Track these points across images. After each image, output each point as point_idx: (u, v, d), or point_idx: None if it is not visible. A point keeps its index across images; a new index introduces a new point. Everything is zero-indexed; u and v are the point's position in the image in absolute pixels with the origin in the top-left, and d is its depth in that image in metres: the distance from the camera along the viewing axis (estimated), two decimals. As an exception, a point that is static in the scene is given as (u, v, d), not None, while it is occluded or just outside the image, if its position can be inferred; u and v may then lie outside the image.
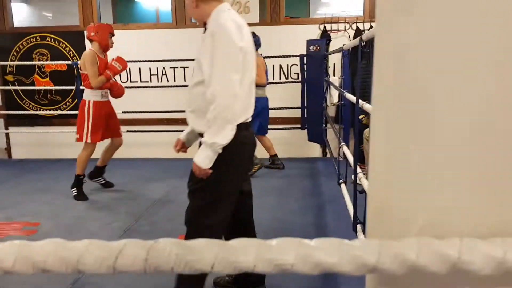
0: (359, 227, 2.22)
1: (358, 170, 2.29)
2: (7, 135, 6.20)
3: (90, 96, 3.90)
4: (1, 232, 3.33)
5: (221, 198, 1.96)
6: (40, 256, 0.44)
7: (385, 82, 0.48)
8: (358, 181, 2.31)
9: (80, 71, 3.96)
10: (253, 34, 4.55)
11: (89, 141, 3.91)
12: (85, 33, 3.99)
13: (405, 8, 0.44)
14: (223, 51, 1.80)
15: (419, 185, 0.46)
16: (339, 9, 6.16)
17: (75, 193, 4.04)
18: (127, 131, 5.23)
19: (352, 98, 2.54)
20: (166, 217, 3.56)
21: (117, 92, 4.10)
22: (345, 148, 2.94)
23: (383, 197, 0.47)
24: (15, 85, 6.02)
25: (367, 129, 3.97)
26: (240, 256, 0.40)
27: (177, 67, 5.74)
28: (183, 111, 5.57)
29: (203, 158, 1.84)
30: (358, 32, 5.12)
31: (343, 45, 3.18)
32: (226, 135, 1.82)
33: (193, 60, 4.77)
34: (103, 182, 4.33)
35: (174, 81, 5.76)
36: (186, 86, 5.69)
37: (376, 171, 0.49)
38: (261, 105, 4.60)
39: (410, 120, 0.46)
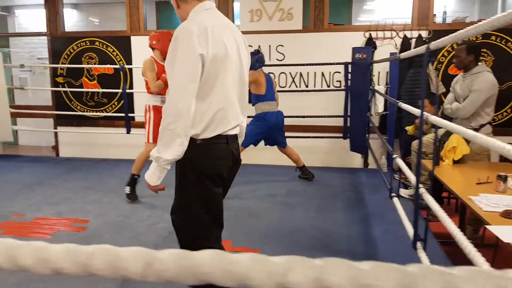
0: (419, 244, 2.16)
1: (417, 183, 2.22)
2: (55, 134, 6.46)
3: (150, 101, 4.01)
4: (53, 227, 3.46)
5: (192, 217, 1.83)
6: (204, 268, 0.47)
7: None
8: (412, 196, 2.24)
9: (143, 77, 4.08)
10: (257, 51, 4.56)
11: (150, 141, 4.01)
12: (148, 41, 4.04)
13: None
14: (179, 58, 1.66)
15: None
16: (383, 16, 6.07)
17: (128, 192, 4.11)
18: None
19: (411, 108, 2.47)
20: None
21: None
22: (399, 161, 2.87)
23: None
24: (65, 87, 6.26)
25: (416, 140, 3.88)
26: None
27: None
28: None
29: (151, 174, 1.73)
30: (406, 41, 5.03)
31: (399, 54, 3.11)
32: (173, 151, 1.65)
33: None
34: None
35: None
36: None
37: None
38: (274, 119, 4.54)
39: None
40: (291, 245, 3.08)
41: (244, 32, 5.78)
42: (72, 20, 8.26)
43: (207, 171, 1.77)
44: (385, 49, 5.16)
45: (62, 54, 6.20)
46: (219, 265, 0.47)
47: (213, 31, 1.68)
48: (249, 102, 4.41)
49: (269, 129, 4.54)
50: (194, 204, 1.81)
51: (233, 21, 5.85)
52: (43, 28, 6.40)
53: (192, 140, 1.72)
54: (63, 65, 6.17)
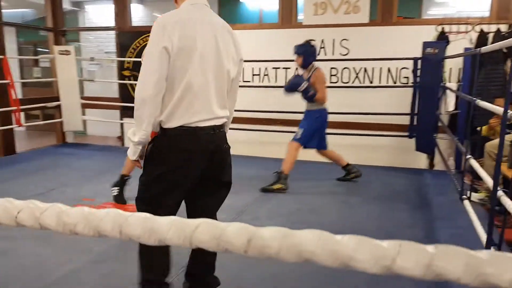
0: (493, 249, 2.01)
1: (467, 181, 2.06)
2: (121, 125, 6.71)
3: None
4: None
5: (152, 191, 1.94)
6: (308, 247, 0.46)
7: None
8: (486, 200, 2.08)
9: None
10: (308, 42, 4.32)
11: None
12: None
13: None
14: (148, 49, 1.79)
15: None
16: (456, 10, 5.74)
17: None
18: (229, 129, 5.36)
19: (494, 107, 2.28)
20: (267, 214, 3.64)
21: None
22: (473, 162, 2.69)
23: None
24: (131, 80, 6.47)
25: (490, 142, 3.63)
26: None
27: (279, 68, 5.76)
28: (284, 112, 5.61)
29: (129, 150, 1.91)
30: (483, 35, 4.71)
31: (479, 48, 2.89)
32: (139, 134, 1.81)
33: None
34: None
35: (276, 81, 5.78)
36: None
37: None
38: (324, 118, 4.35)
39: None
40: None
41: (307, 26, 5.70)
42: (138, 15, 8.53)
43: (169, 161, 1.87)
44: (459, 44, 4.85)
45: (129, 48, 6.41)
46: (323, 245, 0.46)
47: (185, 25, 1.77)
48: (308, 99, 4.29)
49: (324, 124, 4.38)
50: (151, 181, 1.92)
51: (296, 15, 5.76)
52: (111, 22, 6.65)
53: (161, 129, 1.86)
54: (129, 59, 6.37)
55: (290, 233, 0.48)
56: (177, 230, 0.52)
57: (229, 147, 2.04)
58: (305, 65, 4.28)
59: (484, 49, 2.70)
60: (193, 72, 1.78)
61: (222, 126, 1.96)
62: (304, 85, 4.16)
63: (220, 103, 1.92)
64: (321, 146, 4.46)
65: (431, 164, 5.30)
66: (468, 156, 2.81)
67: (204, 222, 0.53)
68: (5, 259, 2.74)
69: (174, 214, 1.97)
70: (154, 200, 1.92)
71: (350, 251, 0.44)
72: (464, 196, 2.96)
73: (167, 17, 1.78)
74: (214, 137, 1.92)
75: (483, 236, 2.13)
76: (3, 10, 5.92)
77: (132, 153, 1.88)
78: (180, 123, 1.82)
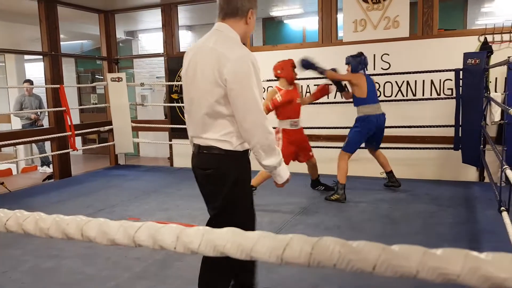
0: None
1: None
2: (170, 146, 7.00)
3: (280, 125, 4.39)
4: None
5: None
6: (221, 241, 0.50)
7: None
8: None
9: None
10: (360, 54, 4.52)
11: None
12: (273, 72, 4.43)
13: None
14: None
15: None
16: (503, 19, 5.56)
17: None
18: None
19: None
20: (306, 229, 3.65)
21: (321, 95, 4.67)
22: (508, 172, 2.61)
23: None
24: (179, 103, 6.77)
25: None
26: (402, 261, 0.41)
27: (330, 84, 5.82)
28: (323, 128, 5.64)
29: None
30: (527, 43, 4.55)
31: (509, 57, 2.85)
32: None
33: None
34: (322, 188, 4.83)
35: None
36: (330, 103, 5.70)
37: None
38: (376, 121, 4.45)
39: None
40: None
41: (347, 43, 5.75)
42: (186, 41, 8.93)
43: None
44: (503, 53, 4.71)
45: (177, 73, 6.73)
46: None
47: (188, 53, 2.06)
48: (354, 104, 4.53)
49: (371, 130, 4.45)
50: None
51: (336, 33, 5.83)
52: (161, 49, 7.03)
53: None
54: (178, 83, 6.69)
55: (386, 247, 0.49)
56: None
57: (216, 172, 2.01)
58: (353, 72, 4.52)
59: (514, 57, 2.65)
60: (185, 95, 2.06)
61: (208, 148, 1.97)
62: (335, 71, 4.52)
63: (197, 126, 1.99)
64: (372, 146, 4.66)
65: (481, 177, 5.11)
66: (504, 167, 2.73)
67: (262, 235, 0.54)
68: (52, 276, 2.95)
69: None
70: None
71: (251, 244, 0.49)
72: (503, 208, 2.85)
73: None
74: (196, 156, 2.07)
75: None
76: (62, 43, 6.46)
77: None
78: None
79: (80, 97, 10.07)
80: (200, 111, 1.95)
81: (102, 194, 5.24)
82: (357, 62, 4.44)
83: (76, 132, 6.21)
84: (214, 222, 2.14)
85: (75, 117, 7.86)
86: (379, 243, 0.44)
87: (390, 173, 4.69)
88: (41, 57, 6.38)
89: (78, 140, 8.24)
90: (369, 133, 4.46)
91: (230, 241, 0.49)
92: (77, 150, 6.32)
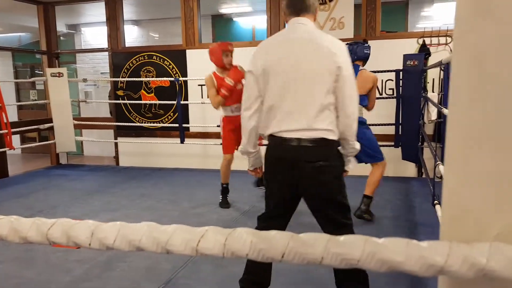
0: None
1: None
2: (116, 144, 6.81)
3: (222, 112, 4.21)
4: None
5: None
6: (136, 236, 0.50)
7: (462, 85, 0.47)
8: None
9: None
10: (355, 42, 4.07)
11: (224, 152, 4.21)
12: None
13: (484, 11, 0.44)
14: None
15: (496, 191, 0.44)
16: (441, 22, 5.88)
17: (220, 200, 4.31)
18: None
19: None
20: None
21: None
22: (441, 167, 2.77)
23: (458, 202, 0.46)
24: (125, 99, 6.60)
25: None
26: (308, 249, 0.43)
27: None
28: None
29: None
30: (460, 46, 4.84)
31: (441, 59, 3.03)
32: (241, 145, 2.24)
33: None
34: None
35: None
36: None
37: (452, 175, 0.48)
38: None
39: (488, 124, 0.45)
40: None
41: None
42: (132, 36, 8.72)
43: (267, 169, 2.11)
44: (440, 55, 4.97)
45: (122, 68, 6.55)
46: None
47: (268, 47, 2.03)
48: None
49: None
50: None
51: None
52: (105, 44, 6.82)
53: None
54: (123, 79, 6.52)
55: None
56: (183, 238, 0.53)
57: (324, 164, 1.95)
58: None
59: (445, 59, 2.82)
60: (275, 88, 1.96)
61: (315, 140, 1.93)
62: None
63: (305, 117, 1.93)
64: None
65: (420, 173, 5.37)
66: (437, 162, 2.89)
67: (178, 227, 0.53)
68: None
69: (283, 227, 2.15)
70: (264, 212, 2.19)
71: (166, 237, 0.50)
72: (436, 202, 3.03)
73: (261, 43, 2.09)
74: (295, 149, 1.95)
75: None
76: (-2, 36, 6.10)
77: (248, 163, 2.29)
78: (268, 132, 2.03)
79: (18, 93, 9.56)
80: (308, 102, 1.93)
81: (42, 195, 5.02)
82: (350, 52, 3.61)
83: (13, 130, 5.88)
84: (328, 213, 2.04)
85: (13, 114, 7.47)
86: (288, 232, 0.46)
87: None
88: (-26, 50, 5.99)
89: (16, 139, 7.82)
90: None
91: (145, 235, 0.49)
92: (14, 149, 6.00)
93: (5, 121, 5.72)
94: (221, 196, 4.29)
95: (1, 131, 5.75)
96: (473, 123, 0.46)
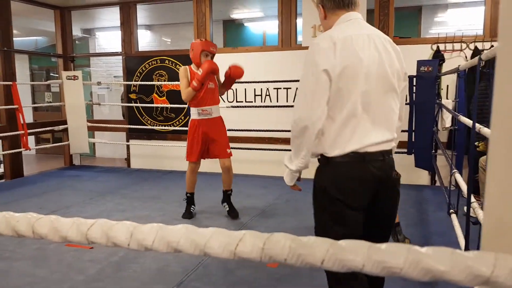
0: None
1: (472, 199, 2.10)
2: (128, 146, 6.86)
3: (191, 113, 3.88)
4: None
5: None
6: (174, 238, 0.50)
7: (507, 102, 0.46)
8: (471, 212, 2.12)
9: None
10: None
11: (187, 159, 3.94)
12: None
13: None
14: (303, 73, 1.65)
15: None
16: (455, 28, 5.84)
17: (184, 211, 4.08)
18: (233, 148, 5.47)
19: (468, 122, 2.36)
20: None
21: (234, 74, 3.89)
22: (457, 176, 2.74)
23: (501, 214, 0.45)
24: (137, 103, 6.66)
25: (484, 156, 3.67)
26: (349, 255, 0.43)
27: (280, 88, 5.89)
28: (285, 131, 5.70)
29: (285, 175, 1.84)
30: (477, 52, 4.80)
31: (458, 65, 3.00)
32: (296, 162, 1.71)
33: (296, 81, 4.84)
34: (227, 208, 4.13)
35: (277, 101, 5.90)
36: (289, 106, 5.80)
37: (495, 186, 0.47)
38: None
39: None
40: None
41: (306, 47, 5.85)
42: (145, 40, 8.80)
43: (334, 191, 1.67)
44: (455, 61, 4.93)
45: (135, 72, 6.61)
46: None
47: (345, 43, 1.61)
48: None
49: None
50: (326, 224, 1.74)
51: (295, 37, 5.92)
52: (119, 48, 6.89)
53: (323, 157, 1.69)
54: (136, 82, 6.57)
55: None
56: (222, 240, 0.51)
57: (398, 175, 1.76)
58: None
59: (461, 66, 2.79)
60: (357, 91, 1.61)
61: (391, 151, 1.74)
62: None
63: (386, 125, 1.70)
64: None
65: (433, 180, 5.32)
66: (453, 171, 2.86)
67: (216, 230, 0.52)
68: (2, 278, 2.83)
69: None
70: None
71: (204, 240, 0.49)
72: (451, 211, 2.99)
73: (326, 37, 1.64)
74: (382, 163, 1.69)
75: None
76: (15, 38, 6.20)
77: (289, 179, 1.82)
78: (347, 150, 1.63)
79: (34, 95, 9.69)
80: (389, 110, 1.70)
81: (56, 195, 5.07)
82: None
83: (29, 131, 5.97)
84: (385, 235, 1.87)
85: (28, 116, 7.56)
86: (328, 239, 0.46)
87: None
88: (-8, 52, 6.09)
89: (31, 140, 7.93)
90: None
91: (183, 237, 0.49)
92: (29, 150, 6.08)
93: (22, 122, 5.80)
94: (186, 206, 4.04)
95: (18, 132, 5.83)
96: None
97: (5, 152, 5.90)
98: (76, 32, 8.58)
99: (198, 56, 3.77)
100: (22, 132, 5.83)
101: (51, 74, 9.56)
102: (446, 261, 0.40)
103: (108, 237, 0.53)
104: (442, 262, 0.40)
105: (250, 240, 0.47)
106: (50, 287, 2.69)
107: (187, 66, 3.87)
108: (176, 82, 6.26)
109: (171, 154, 6.51)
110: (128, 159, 6.95)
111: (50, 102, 9.15)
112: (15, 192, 5.22)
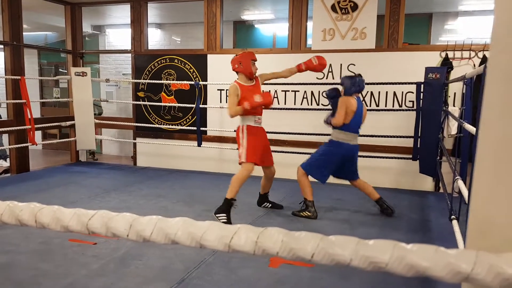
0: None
1: None
2: (134, 144, 6.91)
3: (243, 121, 4.01)
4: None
5: None
6: (172, 230, 0.52)
7: (495, 101, 0.48)
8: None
9: None
10: (358, 75, 4.11)
11: (243, 159, 3.91)
12: (231, 65, 4.05)
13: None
14: None
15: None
16: (465, 36, 5.83)
17: (224, 220, 3.85)
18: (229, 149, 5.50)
19: (471, 129, 2.37)
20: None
21: (318, 69, 4.32)
22: (460, 183, 2.74)
23: (486, 214, 0.47)
24: (145, 101, 6.70)
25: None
26: (338, 250, 0.44)
27: (288, 91, 5.91)
28: (293, 133, 5.72)
29: None
30: (485, 61, 4.79)
31: (465, 73, 3.01)
32: None
33: (304, 84, 4.88)
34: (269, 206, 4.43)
35: (285, 104, 5.92)
36: (296, 109, 5.80)
37: (481, 187, 0.49)
38: (347, 149, 4.10)
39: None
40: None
41: (315, 51, 5.88)
42: (155, 39, 8.85)
43: None
44: (463, 69, 4.93)
45: (144, 70, 6.66)
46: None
47: None
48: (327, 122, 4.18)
49: (337, 158, 4.10)
50: None
51: (305, 40, 5.94)
52: (129, 46, 6.94)
53: None
54: (144, 81, 6.62)
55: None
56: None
57: None
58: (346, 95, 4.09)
59: (468, 74, 2.80)
60: None
61: None
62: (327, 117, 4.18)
63: None
64: (346, 178, 4.30)
65: (437, 187, 5.32)
66: (456, 177, 2.87)
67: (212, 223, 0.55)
68: (6, 271, 2.86)
69: None
70: None
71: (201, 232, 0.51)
72: (453, 217, 2.99)
73: None
74: None
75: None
76: (25, 33, 6.27)
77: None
78: None
79: (42, 90, 9.77)
80: None
81: (61, 190, 5.11)
82: (351, 84, 3.99)
83: (36, 126, 6.03)
84: None
85: (36, 111, 7.63)
86: (318, 234, 0.48)
87: (379, 201, 4.21)
88: (1, 46, 6.16)
89: (38, 135, 8.00)
90: (333, 160, 4.10)
91: (181, 229, 0.51)
92: (36, 145, 6.13)
93: (29, 116, 5.87)
94: (225, 215, 3.85)
95: (25, 127, 5.89)
96: (503, 139, 0.47)
97: (12, 146, 5.97)
98: (86, 28, 8.65)
99: (249, 66, 4.01)
100: (29, 127, 5.89)
101: (60, 69, 9.65)
102: (429, 258, 0.42)
103: (108, 228, 0.55)
104: (426, 258, 0.42)
105: (244, 233, 0.49)
106: (53, 280, 2.73)
107: (236, 84, 4.00)
108: (185, 82, 6.31)
109: (178, 153, 6.54)
110: (134, 157, 7.00)
111: (58, 97, 9.23)
112: (21, 186, 5.28)
